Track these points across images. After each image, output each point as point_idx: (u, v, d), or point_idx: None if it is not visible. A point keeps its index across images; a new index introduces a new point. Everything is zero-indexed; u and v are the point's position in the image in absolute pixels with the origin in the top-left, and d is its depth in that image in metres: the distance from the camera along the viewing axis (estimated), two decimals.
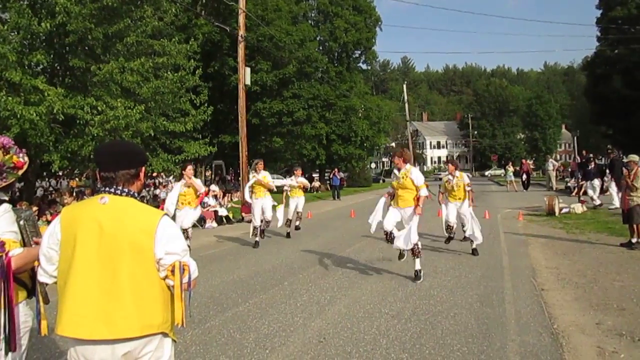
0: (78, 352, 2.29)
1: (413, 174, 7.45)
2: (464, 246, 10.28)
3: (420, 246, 7.43)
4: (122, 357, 2.28)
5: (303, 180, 13.14)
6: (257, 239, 11.22)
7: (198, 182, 9.63)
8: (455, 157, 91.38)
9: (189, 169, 9.59)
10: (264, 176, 11.30)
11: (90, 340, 2.24)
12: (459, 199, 9.75)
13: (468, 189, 9.80)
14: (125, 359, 2.30)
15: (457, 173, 9.87)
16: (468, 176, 10.44)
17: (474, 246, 9.54)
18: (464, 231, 9.97)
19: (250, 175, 11.60)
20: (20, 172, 2.82)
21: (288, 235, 12.57)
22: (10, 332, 2.53)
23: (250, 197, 11.26)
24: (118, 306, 2.24)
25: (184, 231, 9.30)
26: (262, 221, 11.24)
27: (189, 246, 8.99)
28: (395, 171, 7.73)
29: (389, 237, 7.59)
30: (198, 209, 9.83)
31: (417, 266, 7.47)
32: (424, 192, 7.40)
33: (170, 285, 2.33)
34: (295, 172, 13.25)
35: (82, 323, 2.23)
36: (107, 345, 2.25)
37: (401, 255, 7.61)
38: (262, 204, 11.17)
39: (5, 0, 12.29)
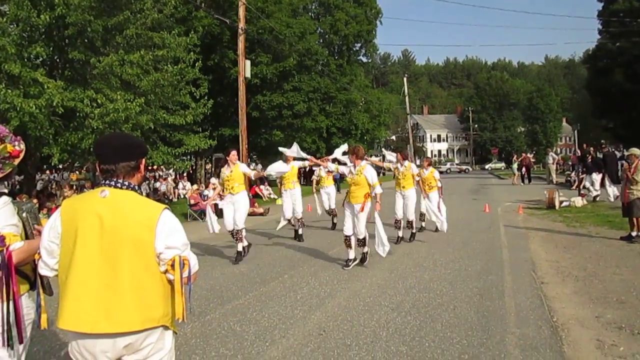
0: (79, 345, 2.30)
1: (367, 171, 7.79)
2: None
3: (367, 238, 7.99)
4: (124, 349, 2.29)
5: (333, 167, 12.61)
6: (299, 231, 11.11)
7: (244, 167, 9.00)
8: (456, 150, 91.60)
9: (233, 153, 8.92)
10: (292, 166, 11.04)
11: (91, 334, 2.24)
12: (403, 187, 10.15)
13: (417, 179, 10.36)
14: (127, 351, 2.31)
15: (406, 163, 10.30)
16: (442, 170, 11.17)
17: (413, 230, 10.38)
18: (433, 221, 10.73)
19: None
20: (17, 161, 2.73)
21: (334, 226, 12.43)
22: (17, 325, 2.52)
23: (280, 189, 11.12)
24: (119, 300, 2.24)
25: (237, 232, 8.68)
26: (293, 219, 10.99)
27: (245, 248, 8.78)
28: (351, 168, 7.99)
29: (348, 243, 8.00)
30: (244, 195, 8.89)
31: (365, 249, 8.07)
32: (379, 189, 7.77)
33: (171, 279, 2.33)
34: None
35: (83, 317, 2.23)
36: (108, 338, 2.25)
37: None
38: (291, 196, 11.01)
39: None
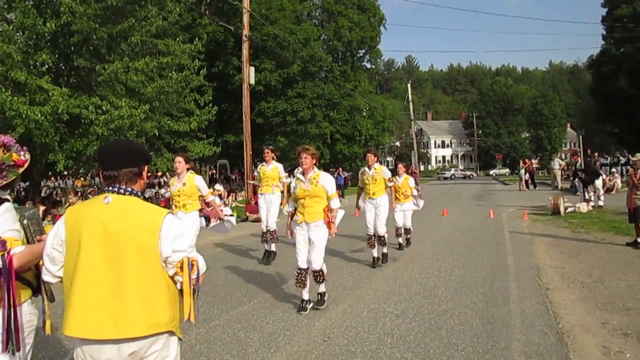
0: (85, 351, 2.30)
1: (325, 178, 6.04)
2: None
3: (325, 271, 6.14)
4: (129, 357, 2.29)
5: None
6: (265, 246, 9.39)
7: (198, 181, 7.39)
8: (460, 155, 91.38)
9: (178, 160, 7.36)
10: (274, 167, 9.36)
11: (97, 340, 2.24)
12: (374, 194, 8.55)
13: (390, 184, 8.90)
14: (132, 358, 2.30)
15: (376, 165, 8.68)
16: (415, 181, 10.44)
17: (384, 250, 8.68)
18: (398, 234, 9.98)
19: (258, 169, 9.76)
20: (21, 170, 2.77)
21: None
22: (15, 332, 2.52)
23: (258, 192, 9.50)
24: (124, 306, 2.24)
25: (272, 232, 8.25)
26: (267, 232, 9.28)
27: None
28: (299, 175, 6.14)
29: (302, 279, 6.02)
30: (195, 215, 7.51)
31: (322, 289, 6.15)
32: (336, 203, 6.06)
33: (180, 281, 2.34)
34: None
35: (89, 323, 2.23)
36: (114, 344, 2.25)
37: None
38: (266, 203, 9.32)
39: (10, 0, 12.37)
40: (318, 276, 5.99)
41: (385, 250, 8.68)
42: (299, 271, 5.99)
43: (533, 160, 35.30)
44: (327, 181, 6.00)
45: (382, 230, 8.52)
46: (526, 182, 30.32)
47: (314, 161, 6.02)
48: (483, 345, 4.76)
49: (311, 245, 5.94)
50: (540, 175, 43.91)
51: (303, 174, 6.04)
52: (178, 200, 7.31)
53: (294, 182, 6.22)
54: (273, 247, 9.35)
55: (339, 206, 6.11)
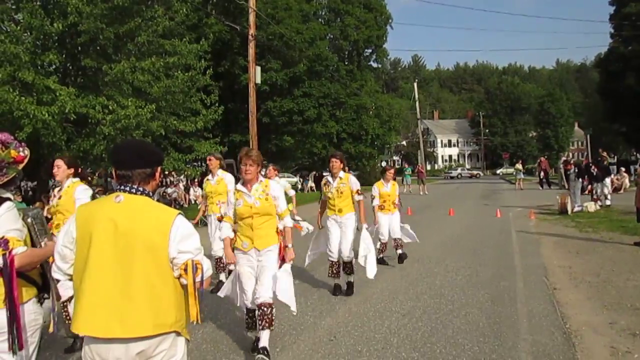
0: (93, 350, 2.31)
1: (275, 190, 4.69)
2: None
3: (274, 314, 4.55)
4: (137, 356, 2.30)
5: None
6: (221, 277, 7.20)
7: (80, 193, 4.87)
8: (467, 155, 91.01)
9: (57, 164, 5.03)
10: (220, 179, 7.26)
11: (104, 339, 2.25)
12: (340, 211, 6.76)
13: (358, 197, 6.77)
14: (140, 358, 2.31)
15: (342, 174, 6.80)
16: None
17: (350, 279, 6.85)
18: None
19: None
20: (21, 167, 2.77)
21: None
22: (17, 331, 2.52)
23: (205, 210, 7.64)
24: (132, 305, 2.25)
25: (219, 260, 6.94)
26: (219, 259, 7.18)
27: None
28: (241, 187, 4.65)
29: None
30: None
31: (264, 340, 4.43)
32: (289, 221, 4.75)
33: (184, 284, 2.35)
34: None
35: (97, 321, 2.25)
36: (121, 343, 2.26)
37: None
38: (217, 225, 6.38)
39: (18, 1, 12.45)
40: (265, 316, 4.40)
41: (352, 278, 6.86)
42: (248, 315, 4.71)
43: (542, 159, 35.11)
44: (277, 192, 4.66)
45: (349, 255, 6.73)
46: (541, 180, 30.31)
47: (259, 168, 4.62)
48: (490, 345, 4.75)
49: (261, 274, 4.54)
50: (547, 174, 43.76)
51: (245, 184, 4.64)
52: (55, 219, 4.99)
53: (232, 197, 4.70)
54: (223, 277, 7.21)
55: (292, 225, 4.87)
